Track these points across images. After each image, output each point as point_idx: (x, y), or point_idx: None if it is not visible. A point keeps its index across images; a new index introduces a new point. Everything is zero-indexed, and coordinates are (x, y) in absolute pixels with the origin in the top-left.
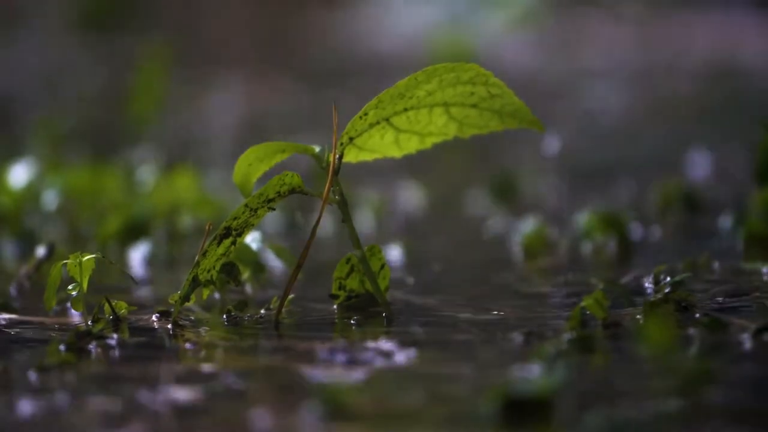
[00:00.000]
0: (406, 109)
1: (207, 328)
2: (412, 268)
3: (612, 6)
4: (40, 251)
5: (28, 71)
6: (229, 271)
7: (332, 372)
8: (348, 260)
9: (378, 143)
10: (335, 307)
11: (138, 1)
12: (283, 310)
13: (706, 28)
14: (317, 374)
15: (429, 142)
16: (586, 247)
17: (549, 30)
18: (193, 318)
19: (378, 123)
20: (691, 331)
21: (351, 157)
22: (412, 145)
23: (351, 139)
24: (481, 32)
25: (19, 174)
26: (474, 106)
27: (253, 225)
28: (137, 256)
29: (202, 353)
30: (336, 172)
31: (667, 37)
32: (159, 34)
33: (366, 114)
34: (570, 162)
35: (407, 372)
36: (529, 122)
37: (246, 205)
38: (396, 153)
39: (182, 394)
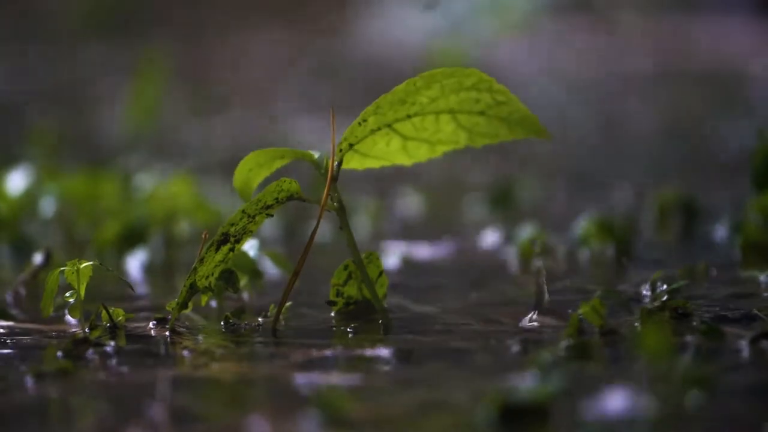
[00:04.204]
0: (409, 116)
1: (204, 335)
2: (409, 275)
3: (609, 12)
4: (37, 258)
5: (34, 77)
6: (228, 278)
7: (330, 379)
8: (346, 267)
9: (384, 150)
10: (333, 314)
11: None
12: (281, 317)
13: (704, 34)
14: (315, 381)
15: (439, 151)
16: (584, 255)
17: (546, 36)
18: (190, 325)
19: (380, 129)
20: (688, 338)
21: (356, 164)
22: (422, 154)
23: (351, 145)
24: (480, 39)
25: (17, 181)
26: (481, 113)
27: (251, 231)
28: (134, 262)
29: (200, 360)
30: (334, 178)
31: (663, 44)
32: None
33: (365, 120)
34: (568, 168)
35: (404, 379)
36: (537, 132)
37: (243, 212)
38: (405, 161)
39: (179, 401)
